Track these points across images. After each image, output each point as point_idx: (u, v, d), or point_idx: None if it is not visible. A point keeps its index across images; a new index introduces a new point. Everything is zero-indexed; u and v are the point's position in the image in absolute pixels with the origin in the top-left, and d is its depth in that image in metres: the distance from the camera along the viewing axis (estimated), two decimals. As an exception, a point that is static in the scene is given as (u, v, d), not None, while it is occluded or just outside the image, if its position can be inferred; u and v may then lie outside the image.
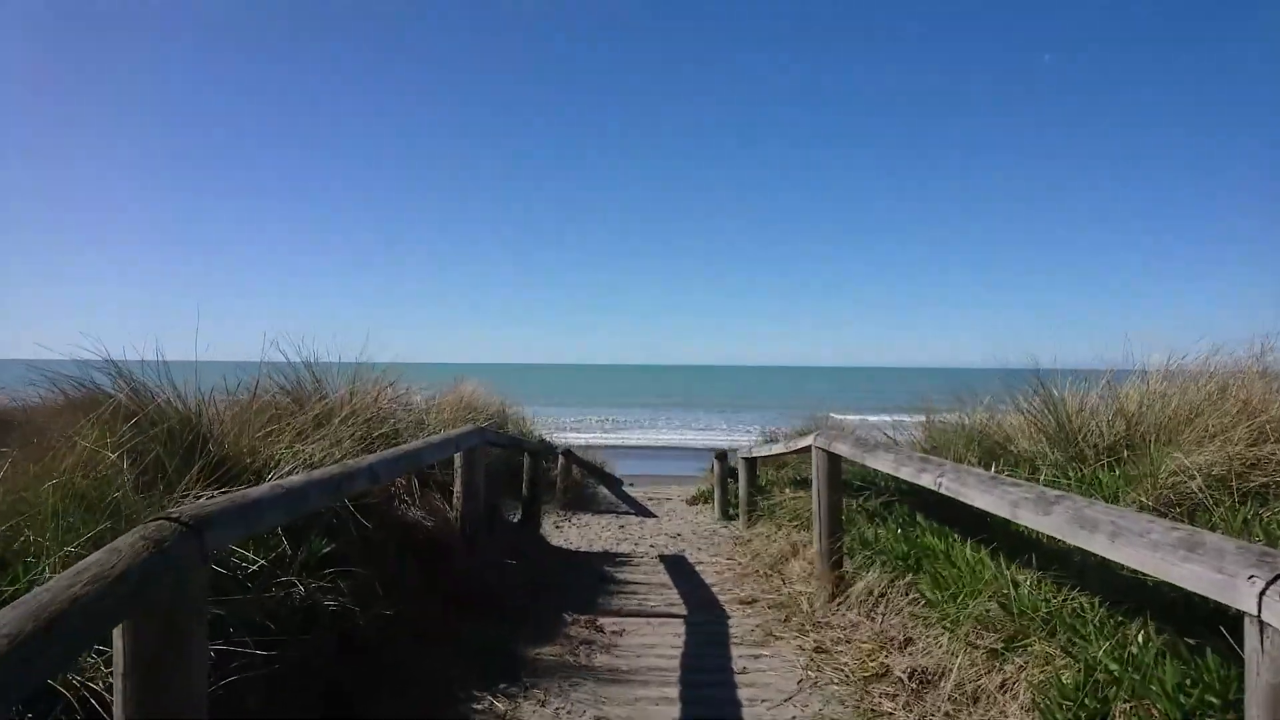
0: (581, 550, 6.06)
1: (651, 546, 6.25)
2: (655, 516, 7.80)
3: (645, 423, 44.23)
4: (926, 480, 2.52)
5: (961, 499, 2.29)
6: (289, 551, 2.70)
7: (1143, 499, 2.67)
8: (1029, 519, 1.90)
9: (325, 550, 2.80)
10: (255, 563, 2.43)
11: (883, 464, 2.95)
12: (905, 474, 2.71)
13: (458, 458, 3.77)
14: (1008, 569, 2.69)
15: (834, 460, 3.69)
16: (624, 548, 6.24)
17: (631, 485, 13.48)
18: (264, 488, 1.86)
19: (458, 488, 3.85)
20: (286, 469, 3.18)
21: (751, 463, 5.97)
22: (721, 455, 7.74)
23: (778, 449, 4.92)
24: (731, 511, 7.66)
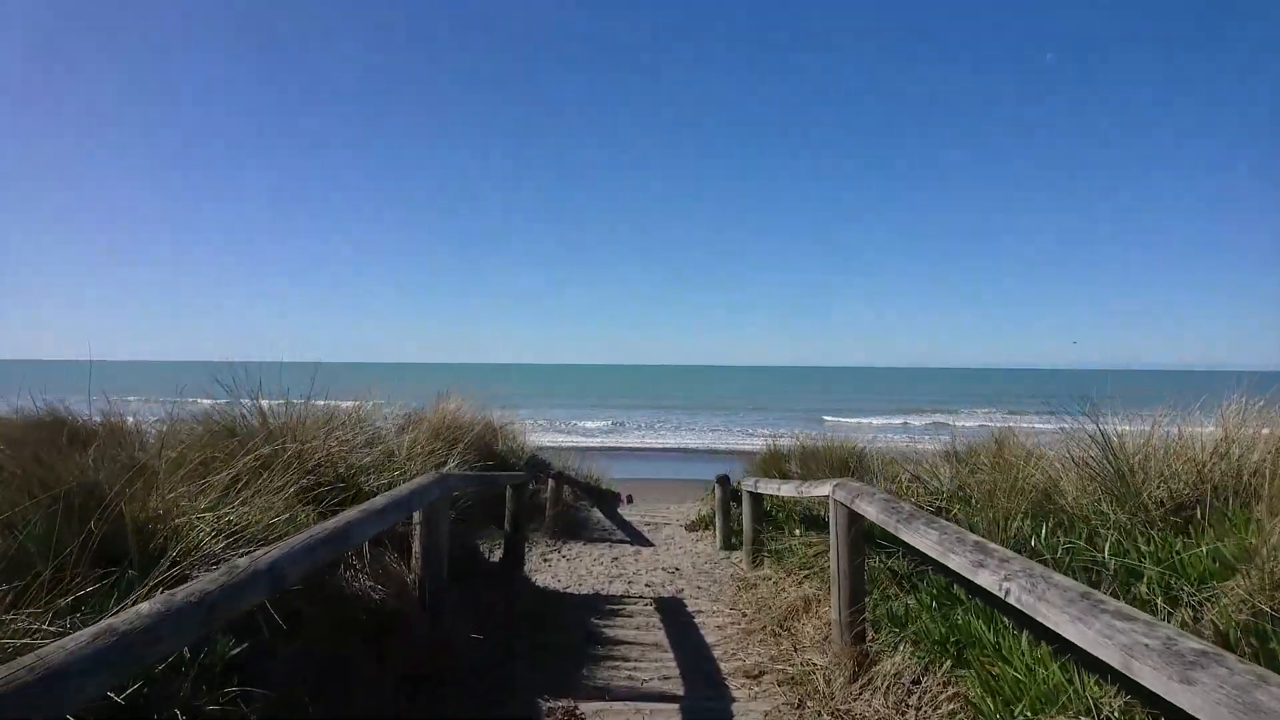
0: (569, 591, 5.52)
1: (647, 586, 5.71)
2: (652, 545, 7.25)
3: (645, 425, 43.78)
4: (986, 580, 1.97)
5: (1039, 619, 1.75)
6: (187, 657, 2.17)
7: (1257, 600, 2.12)
8: (1157, 683, 1.35)
9: (233, 653, 2.27)
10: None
11: (923, 543, 2.40)
12: (955, 564, 2.16)
13: (417, 513, 3.22)
14: (1083, 684, 2.14)
15: (856, 519, 3.14)
16: (616, 587, 5.70)
17: (629, 502, 12.94)
18: (83, 637, 1.31)
19: (417, 548, 3.30)
20: (200, 540, 2.65)
21: (757, 496, 5.42)
22: (723, 480, 7.19)
23: (788, 491, 4.37)
24: (734, 540, 7.12)
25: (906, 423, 45.01)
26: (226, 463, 3.49)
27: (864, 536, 3.29)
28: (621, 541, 7.34)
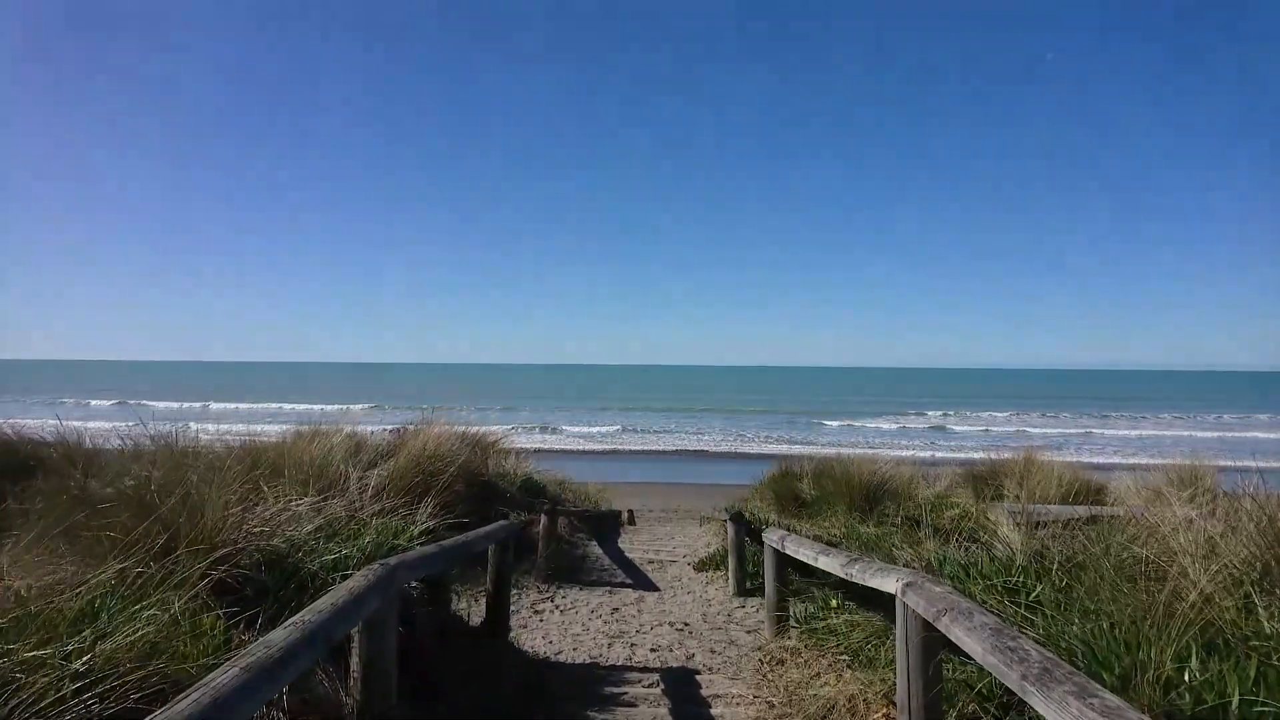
0: (561, 659, 4.74)
1: (653, 650, 4.93)
2: (657, 590, 6.46)
3: (644, 429, 43.08)
4: None
5: None
6: None
7: None
8: None
9: None
10: None
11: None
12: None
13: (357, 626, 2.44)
14: None
15: (938, 640, 2.36)
16: (617, 651, 4.92)
17: (631, 523, 12.15)
18: None
19: (355, 665, 2.52)
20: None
21: (782, 555, 4.61)
22: (736, 518, 6.41)
23: (830, 565, 3.51)
24: (749, 585, 6.34)
25: (905, 426, 44.22)
26: (119, 550, 2.73)
27: (941, 661, 2.50)
28: (623, 585, 6.56)
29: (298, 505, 3.38)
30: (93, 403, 55.07)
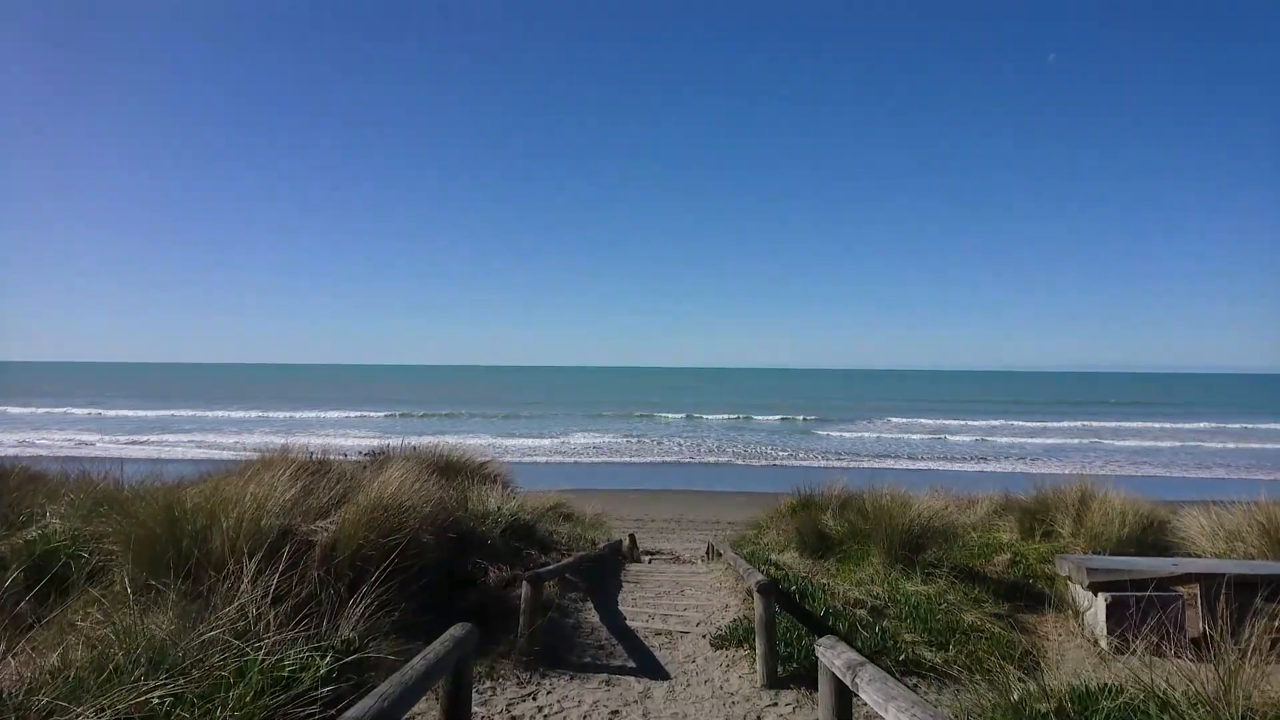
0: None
1: (664, 794, 3.65)
2: (667, 677, 5.17)
3: (639, 434, 41.83)
4: None
5: None
6: None
7: None
8: None
9: None
10: None
11: None
12: None
13: None
14: None
15: None
16: (617, 794, 3.64)
17: (634, 557, 10.92)
18: None
19: None
20: None
21: (843, 689, 3.26)
22: (765, 590, 5.13)
23: None
24: (782, 671, 5.07)
25: (910, 437, 42.79)
26: None
27: None
28: (623, 670, 5.26)
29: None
30: (74, 411, 53.86)
